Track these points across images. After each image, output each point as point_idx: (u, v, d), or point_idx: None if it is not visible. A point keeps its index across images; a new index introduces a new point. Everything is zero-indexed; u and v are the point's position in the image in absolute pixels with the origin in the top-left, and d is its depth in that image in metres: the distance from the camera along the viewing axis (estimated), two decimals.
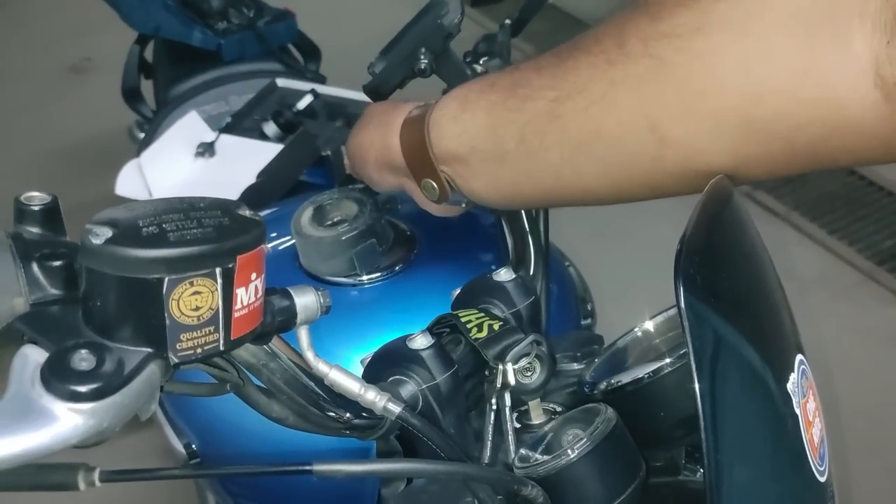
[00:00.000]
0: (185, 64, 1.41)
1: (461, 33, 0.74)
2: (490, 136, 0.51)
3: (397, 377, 0.52)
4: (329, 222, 0.75)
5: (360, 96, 1.27)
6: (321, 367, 0.44)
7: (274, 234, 0.84)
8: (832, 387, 1.67)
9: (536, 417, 0.55)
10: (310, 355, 0.44)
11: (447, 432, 0.52)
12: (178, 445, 0.72)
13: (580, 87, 0.45)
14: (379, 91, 0.70)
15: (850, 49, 0.37)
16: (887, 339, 1.78)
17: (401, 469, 0.41)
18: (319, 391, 0.48)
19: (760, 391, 0.43)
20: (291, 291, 0.43)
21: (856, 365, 1.72)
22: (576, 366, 0.63)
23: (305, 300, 0.43)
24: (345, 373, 0.45)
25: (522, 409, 0.56)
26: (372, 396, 0.45)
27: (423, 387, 0.51)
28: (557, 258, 0.83)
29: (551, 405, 0.58)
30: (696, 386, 0.40)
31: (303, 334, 0.44)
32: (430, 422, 0.51)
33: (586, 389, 0.56)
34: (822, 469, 0.49)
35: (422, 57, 0.69)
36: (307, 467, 0.37)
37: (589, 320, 0.81)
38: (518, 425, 0.55)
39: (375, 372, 0.53)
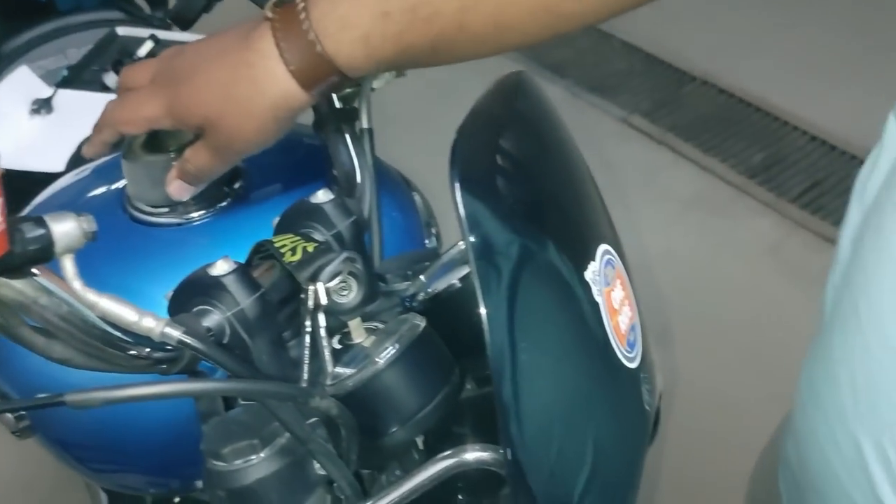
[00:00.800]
0: (17, 18, 1.31)
1: None
2: (402, 56, 0.53)
3: (201, 307, 0.50)
4: (164, 150, 0.71)
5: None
6: (89, 297, 0.41)
7: (111, 184, 0.80)
8: (712, 299, 1.74)
9: (358, 337, 0.54)
10: (76, 286, 0.41)
11: (258, 358, 0.50)
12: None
13: None
14: (183, 16, 0.67)
15: None
16: (762, 250, 1.85)
17: (163, 391, 0.39)
18: (111, 328, 0.45)
19: (550, 281, 0.43)
20: (46, 219, 0.40)
21: (734, 276, 1.79)
22: (407, 284, 0.62)
23: (64, 227, 0.40)
24: (118, 301, 0.42)
25: (346, 330, 0.55)
26: (149, 324, 0.42)
27: (229, 314, 0.49)
28: (401, 185, 0.82)
29: (375, 324, 0.56)
30: (476, 281, 0.39)
31: (67, 264, 0.41)
32: (239, 349, 0.50)
33: (407, 303, 0.55)
34: (631, 355, 0.49)
35: None
36: (60, 399, 0.35)
37: (434, 242, 0.80)
38: (341, 346, 0.54)
39: (180, 304, 0.51)
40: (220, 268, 0.50)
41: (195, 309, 0.50)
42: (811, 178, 1.99)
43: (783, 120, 2.15)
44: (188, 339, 0.42)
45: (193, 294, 0.50)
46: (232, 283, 0.49)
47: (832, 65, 2.24)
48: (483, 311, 0.39)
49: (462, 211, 0.39)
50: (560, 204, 0.47)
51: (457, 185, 0.39)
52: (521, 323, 0.41)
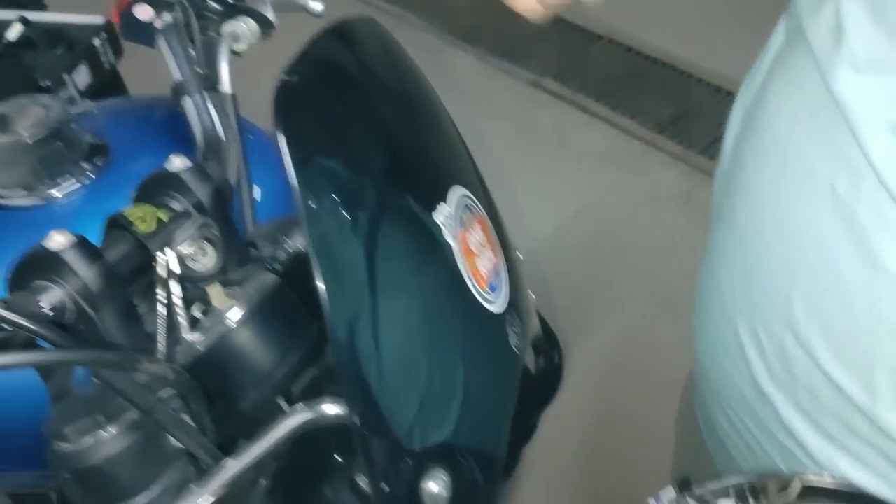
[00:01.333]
0: None
1: None
2: None
3: (40, 282, 0.47)
4: (13, 130, 0.67)
5: (83, 19, 1.16)
6: None
7: None
8: (628, 248, 1.77)
9: (219, 303, 0.52)
10: None
11: (106, 332, 0.47)
12: None
13: None
14: None
15: None
16: (674, 200, 1.88)
17: None
18: None
19: (389, 224, 0.42)
20: None
21: (648, 226, 1.82)
22: (276, 247, 0.60)
23: None
24: None
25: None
26: None
27: (69, 289, 0.47)
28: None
29: (239, 289, 0.55)
30: (306, 233, 0.38)
31: None
32: (85, 324, 0.47)
33: (268, 265, 0.53)
34: (492, 298, 0.49)
35: None
36: None
37: None
38: (203, 314, 0.52)
39: (19, 282, 0.48)
40: (57, 241, 0.47)
41: (33, 284, 0.47)
42: (718, 129, 2.02)
43: (688, 73, 2.18)
44: (5, 314, 0.40)
45: (32, 271, 0.48)
46: (71, 257, 0.47)
47: (732, 15, 2.27)
48: (314, 265, 0.38)
49: (288, 159, 0.37)
50: (403, 148, 0.45)
51: (281, 136, 0.38)
52: (357, 271, 0.40)
